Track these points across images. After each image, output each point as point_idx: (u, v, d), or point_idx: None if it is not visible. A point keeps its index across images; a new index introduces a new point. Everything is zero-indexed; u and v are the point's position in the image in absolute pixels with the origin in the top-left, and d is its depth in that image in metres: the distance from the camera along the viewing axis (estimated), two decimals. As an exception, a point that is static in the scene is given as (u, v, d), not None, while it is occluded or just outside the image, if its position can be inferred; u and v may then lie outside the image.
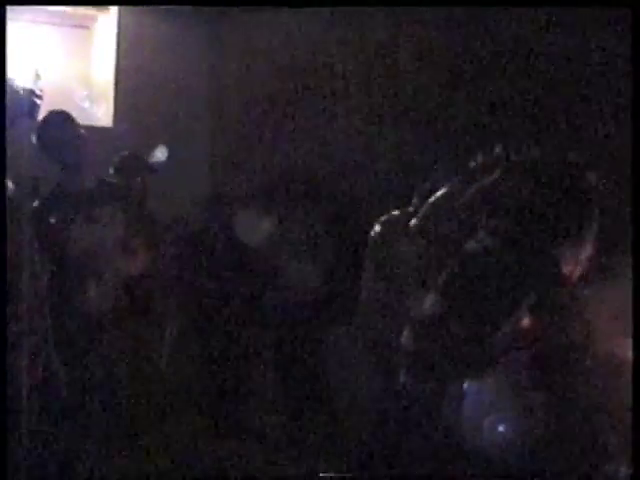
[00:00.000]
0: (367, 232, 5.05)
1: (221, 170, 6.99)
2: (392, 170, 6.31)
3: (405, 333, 3.95)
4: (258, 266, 6.33)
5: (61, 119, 4.93)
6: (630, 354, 3.91)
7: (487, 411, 4.12)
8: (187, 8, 6.76)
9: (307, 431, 5.96)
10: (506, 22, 5.43)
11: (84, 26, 7.02)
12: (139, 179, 5.82)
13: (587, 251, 3.81)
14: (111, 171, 5.86)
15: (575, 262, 3.77)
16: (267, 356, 6.47)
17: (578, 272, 3.82)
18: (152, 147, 6.06)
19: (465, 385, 4.18)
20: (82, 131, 4.95)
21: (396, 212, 4.99)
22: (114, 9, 6.94)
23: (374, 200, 6.15)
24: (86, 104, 6.57)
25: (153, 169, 5.99)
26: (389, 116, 6.39)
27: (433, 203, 4.07)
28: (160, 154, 6.13)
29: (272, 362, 6.49)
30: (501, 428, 4.13)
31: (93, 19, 7.02)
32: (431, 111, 5.97)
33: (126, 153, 5.96)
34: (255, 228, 6.27)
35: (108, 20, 6.97)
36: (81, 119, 5.16)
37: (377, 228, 5.02)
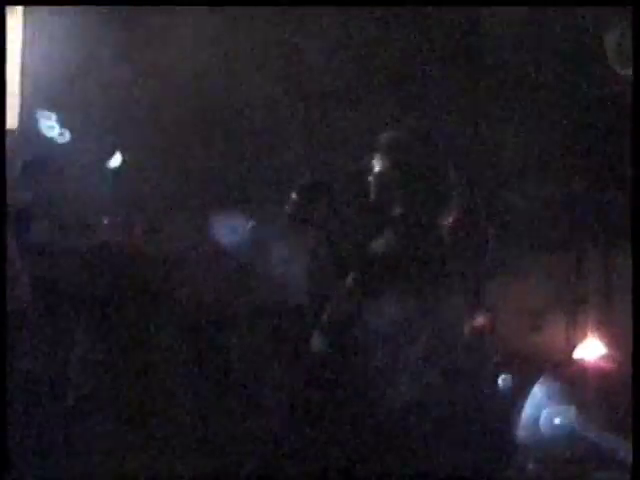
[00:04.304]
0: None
1: (133, 165, 6.76)
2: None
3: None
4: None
5: None
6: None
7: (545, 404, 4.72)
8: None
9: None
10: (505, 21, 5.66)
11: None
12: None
13: None
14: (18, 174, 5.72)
15: None
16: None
17: None
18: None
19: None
20: None
21: None
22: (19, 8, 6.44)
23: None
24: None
25: (58, 173, 5.88)
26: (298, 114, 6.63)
27: None
28: (115, 161, 6.05)
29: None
30: (557, 420, 4.79)
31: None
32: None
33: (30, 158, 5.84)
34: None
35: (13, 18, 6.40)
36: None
37: None
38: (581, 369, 5.18)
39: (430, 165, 3.87)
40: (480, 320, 5.69)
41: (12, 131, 6.29)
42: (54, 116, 5.95)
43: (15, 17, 6.47)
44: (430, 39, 6.08)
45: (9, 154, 5.29)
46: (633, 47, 4.10)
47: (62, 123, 5.97)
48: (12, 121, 6.31)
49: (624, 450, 4.35)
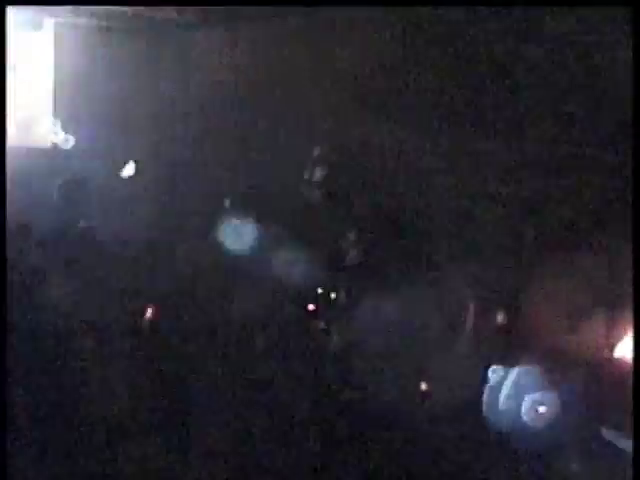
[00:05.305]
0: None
1: (162, 182, 6.95)
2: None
3: None
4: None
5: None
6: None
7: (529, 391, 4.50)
8: (124, 24, 6.64)
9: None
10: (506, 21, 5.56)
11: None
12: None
13: None
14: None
15: None
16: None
17: None
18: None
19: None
20: None
21: None
22: (48, 23, 6.69)
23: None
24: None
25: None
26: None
27: None
28: (129, 170, 6.22)
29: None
30: (541, 409, 4.55)
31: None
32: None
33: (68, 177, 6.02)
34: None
35: (43, 34, 6.69)
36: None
37: None
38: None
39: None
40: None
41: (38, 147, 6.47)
42: (59, 122, 6.13)
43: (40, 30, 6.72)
44: (417, 43, 6.03)
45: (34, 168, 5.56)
46: (633, 47, 4.10)
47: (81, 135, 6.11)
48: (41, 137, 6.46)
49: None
